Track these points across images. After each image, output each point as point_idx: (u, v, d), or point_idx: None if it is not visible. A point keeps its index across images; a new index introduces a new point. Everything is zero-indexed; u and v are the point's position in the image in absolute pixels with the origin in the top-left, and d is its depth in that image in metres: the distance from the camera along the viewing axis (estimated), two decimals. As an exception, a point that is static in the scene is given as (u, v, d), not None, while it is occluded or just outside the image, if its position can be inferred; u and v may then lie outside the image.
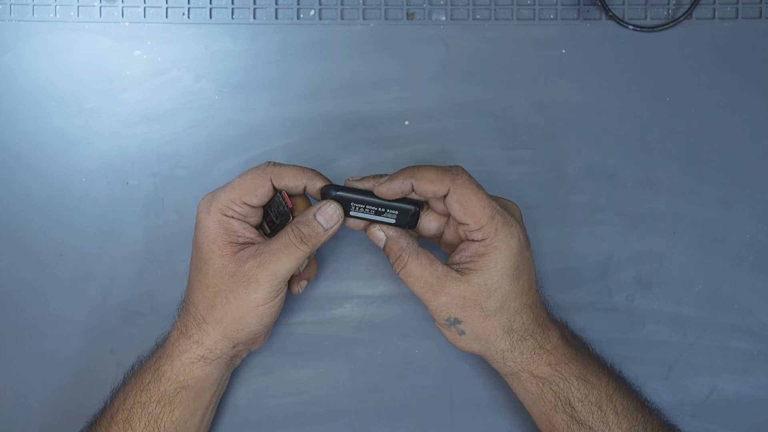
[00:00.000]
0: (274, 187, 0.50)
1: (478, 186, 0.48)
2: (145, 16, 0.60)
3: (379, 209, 0.49)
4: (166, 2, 0.60)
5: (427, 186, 0.47)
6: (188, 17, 0.60)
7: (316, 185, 0.49)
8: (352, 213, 0.49)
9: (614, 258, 0.58)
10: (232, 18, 0.60)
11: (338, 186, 0.49)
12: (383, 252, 0.50)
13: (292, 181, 0.49)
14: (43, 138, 0.59)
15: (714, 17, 0.60)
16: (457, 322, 0.49)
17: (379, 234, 0.50)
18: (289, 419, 0.58)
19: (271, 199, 0.50)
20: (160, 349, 0.52)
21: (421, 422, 0.58)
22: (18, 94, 0.59)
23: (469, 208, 0.47)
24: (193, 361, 0.50)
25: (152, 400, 0.50)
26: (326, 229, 0.49)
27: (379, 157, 0.59)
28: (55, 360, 0.58)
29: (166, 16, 0.60)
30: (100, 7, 0.60)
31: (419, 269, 0.48)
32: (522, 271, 0.48)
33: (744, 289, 0.58)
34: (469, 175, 0.48)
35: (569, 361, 0.49)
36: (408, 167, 0.48)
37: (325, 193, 0.49)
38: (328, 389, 0.58)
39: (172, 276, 0.58)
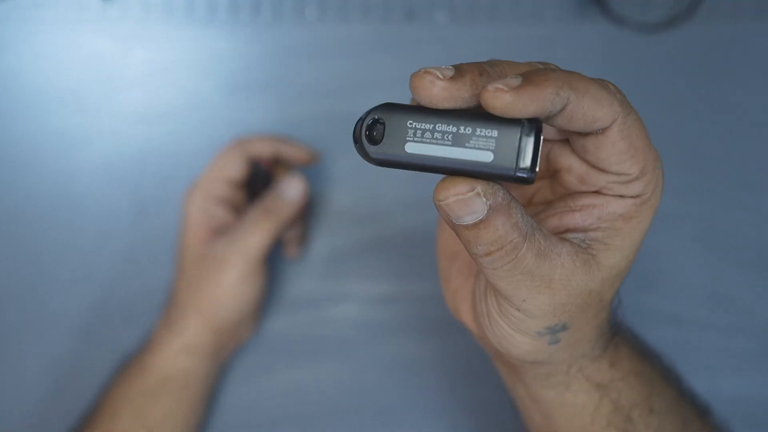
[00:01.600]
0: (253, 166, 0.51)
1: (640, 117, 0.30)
2: (145, 16, 0.60)
3: (463, 130, 0.26)
4: (166, 2, 0.60)
5: (590, 108, 0.27)
6: (188, 17, 0.60)
7: (284, 148, 0.50)
8: (408, 149, 0.27)
9: (614, 258, 0.58)
10: (232, 18, 0.60)
11: (386, 103, 0.28)
12: (460, 233, 0.27)
13: (262, 148, 0.51)
14: (43, 138, 0.59)
15: (714, 18, 0.60)
16: (563, 329, 0.30)
17: (477, 202, 0.26)
18: (289, 419, 0.58)
19: (252, 175, 0.51)
20: (145, 342, 0.52)
21: (421, 422, 0.58)
22: (18, 94, 0.59)
23: (639, 148, 0.28)
24: (177, 353, 0.50)
25: (138, 393, 0.49)
26: (289, 200, 0.49)
27: (379, 157, 0.59)
28: (55, 360, 0.58)
29: (166, 16, 0.60)
30: (100, 7, 0.60)
31: (537, 261, 0.28)
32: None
33: (744, 289, 0.58)
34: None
35: (623, 356, 0.35)
36: (550, 71, 0.27)
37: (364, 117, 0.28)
38: (328, 389, 0.58)
39: (172, 276, 0.58)
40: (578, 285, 0.29)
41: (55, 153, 0.59)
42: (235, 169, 0.50)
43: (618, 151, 0.28)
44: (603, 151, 0.28)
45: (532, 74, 0.26)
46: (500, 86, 0.25)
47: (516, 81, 0.25)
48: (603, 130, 0.28)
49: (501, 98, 0.25)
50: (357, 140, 0.28)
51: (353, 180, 0.59)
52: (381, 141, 0.27)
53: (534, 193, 0.33)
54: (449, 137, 0.26)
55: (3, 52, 0.59)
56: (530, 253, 0.27)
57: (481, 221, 0.26)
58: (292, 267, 0.59)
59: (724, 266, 0.58)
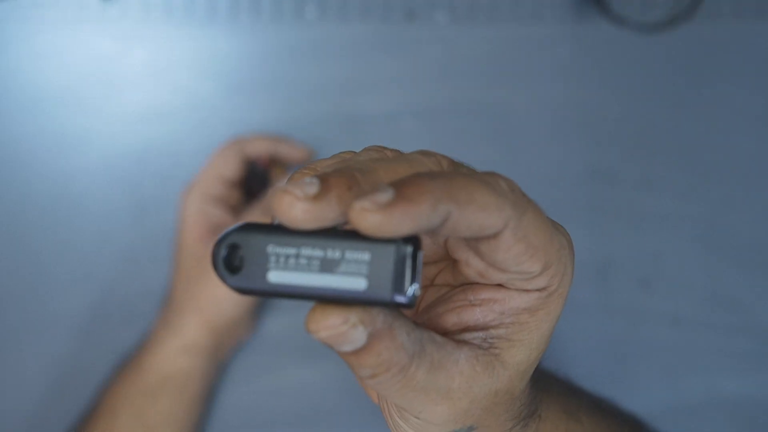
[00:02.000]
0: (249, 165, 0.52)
1: (539, 208, 0.27)
2: (145, 16, 0.60)
3: (331, 254, 0.23)
4: (167, 2, 0.60)
5: (476, 217, 0.23)
6: (188, 17, 0.60)
7: (281, 148, 0.51)
8: (271, 278, 0.23)
9: (614, 258, 0.58)
10: (232, 18, 0.60)
11: (244, 225, 0.24)
12: (342, 356, 0.24)
13: (257, 147, 0.51)
14: (43, 138, 0.59)
15: (714, 18, 0.60)
16: (470, 430, 0.28)
17: (353, 332, 0.23)
18: (289, 419, 0.58)
19: (249, 175, 0.51)
20: (144, 342, 0.52)
21: (421, 422, 0.58)
22: (18, 94, 0.59)
23: (539, 247, 0.25)
24: (176, 352, 0.50)
25: (136, 392, 0.49)
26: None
27: (379, 157, 0.59)
28: (55, 360, 0.58)
29: (166, 16, 0.60)
30: (100, 7, 0.60)
31: (430, 376, 0.25)
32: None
33: (744, 289, 0.58)
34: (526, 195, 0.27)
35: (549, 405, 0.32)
36: (428, 179, 0.23)
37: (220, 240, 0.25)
38: (328, 389, 0.58)
39: (170, 275, 0.58)
40: (481, 389, 0.26)
41: (55, 153, 0.59)
42: (231, 168, 0.51)
43: (515, 254, 0.25)
44: (498, 254, 0.25)
45: (405, 186, 0.22)
46: (367, 205, 0.21)
47: (386, 196, 0.22)
48: (495, 235, 0.24)
49: (369, 219, 0.21)
50: (215, 267, 0.24)
51: (353, 180, 0.59)
52: (241, 269, 0.23)
53: (436, 274, 0.29)
54: (316, 263, 0.23)
55: (3, 52, 0.59)
56: (421, 370, 0.24)
57: (362, 349, 0.23)
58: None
59: (724, 266, 0.58)
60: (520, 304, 0.26)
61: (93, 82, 0.59)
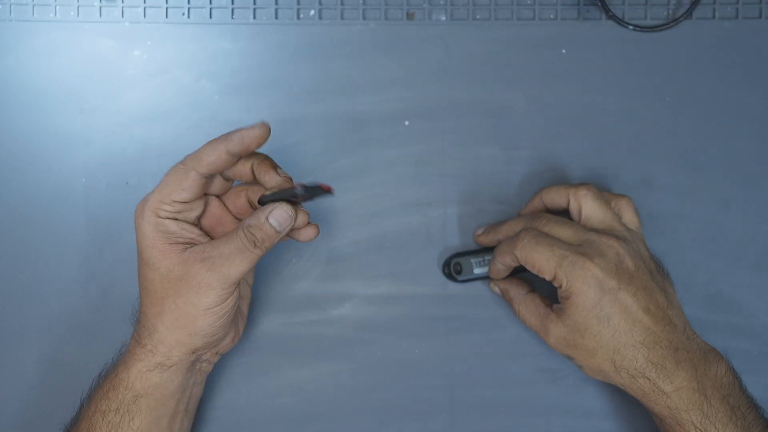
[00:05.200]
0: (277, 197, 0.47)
1: (543, 238, 0.50)
2: (145, 16, 0.60)
3: (485, 259, 0.58)
4: (166, 2, 0.60)
5: (501, 258, 0.53)
6: (188, 17, 0.60)
7: (236, 138, 0.46)
8: (476, 270, 0.57)
9: (614, 258, 0.58)
10: (232, 18, 0.60)
11: (462, 252, 0.58)
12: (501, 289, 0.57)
13: (210, 156, 0.46)
14: (43, 138, 0.59)
15: (714, 17, 0.60)
16: (570, 357, 0.51)
17: (495, 289, 0.57)
18: (289, 419, 0.58)
19: (276, 193, 0.48)
20: (121, 356, 0.51)
21: (421, 422, 0.58)
22: (18, 94, 0.59)
23: (536, 266, 0.49)
24: (150, 369, 0.48)
25: (111, 409, 0.48)
26: (279, 232, 0.47)
27: (379, 157, 0.59)
28: (55, 360, 0.58)
29: (166, 16, 0.60)
30: (100, 7, 0.60)
31: (527, 314, 0.53)
32: (611, 311, 0.48)
33: (744, 289, 0.58)
34: (536, 233, 0.50)
35: (690, 408, 0.47)
36: (489, 233, 0.57)
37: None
38: (328, 389, 0.58)
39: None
40: (554, 332, 0.51)
41: (55, 153, 0.59)
42: (188, 191, 0.47)
43: (529, 269, 0.51)
44: (528, 268, 0.51)
45: (486, 236, 0.58)
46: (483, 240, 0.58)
47: (486, 237, 0.58)
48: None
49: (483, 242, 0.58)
50: (447, 276, 0.58)
51: (353, 180, 0.59)
52: (460, 272, 0.58)
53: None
54: (486, 262, 0.58)
55: (3, 52, 0.59)
56: (523, 310, 0.55)
57: (502, 295, 0.58)
58: (292, 267, 0.59)
59: (724, 266, 0.58)
60: (560, 293, 0.50)
61: (93, 82, 0.59)
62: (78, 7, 0.60)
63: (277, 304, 0.59)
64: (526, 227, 0.52)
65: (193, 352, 0.49)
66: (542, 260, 0.49)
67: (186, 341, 0.48)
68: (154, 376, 0.48)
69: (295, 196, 0.46)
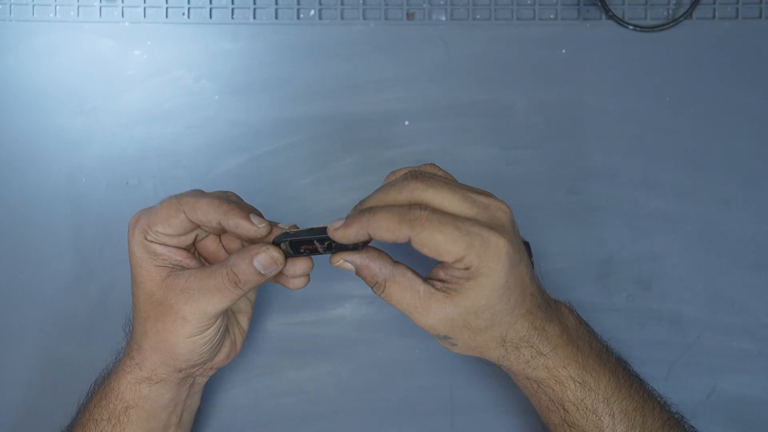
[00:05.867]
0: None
1: (443, 217, 0.41)
2: (145, 16, 0.60)
3: (335, 244, 0.44)
4: (166, 2, 0.60)
5: (384, 236, 0.41)
6: (188, 17, 0.60)
7: (231, 222, 0.44)
8: (304, 251, 0.45)
9: (614, 258, 0.58)
10: (232, 18, 0.60)
11: (288, 233, 0.45)
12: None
13: (204, 216, 0.45)
14: (43, 138, 0.59)
15: (714, 17, 0.60)
16: (447, 337, 0.45)
17: (346, 265, 0.45)
18: (289, 419, 0.58)
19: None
20: (115, 365, 0.51)
21: (421, 422, 0.58)
22: (18, 94, 0.59)
23: (439, 249, 0.41)
24: (139, 381, 0.48)
25: (103, 418, 0.48)
26: (262, 275, 0.45)
27: (379, 157, 0.59)
28: (55, 360, 0.58)
29: (166, 16, 0.60)
30: (100, 7, 0.60)
31: (399, 292, 0.44)
32: (513, 286, 0.43)
33: (744, 289, 0.58)
34: (430, 210, 0.41)
35: (567, 363, 0.46)
36: (363, 211, 0.42)
37: (277, 241, 0.45)
38: (328, 389, 0.58)
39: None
40: (437, 312, 0.44)
41: (55, 153, 0.59)
42: (174, 228, 0.46)
43: (427, 253, 0.42)
44: (422, 253, 0.42)
45: (349, 219, 0.43)
46: (334, 226, 0.44)
47: (340, 222, 0.43)
48: (409, 242, 0.42)
49: (333, 234, 0.44)
50: (286, 254, 0.46)
51: (353, 180, 0.59)
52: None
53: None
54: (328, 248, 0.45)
55: (3, 52, 0.59)
56: (392, 287, 0.44)
57: (357, 271, 0.45)
58: (292, 267, 0.59)
59: (724, 266, 0.58)
60: (458, 273, 0.43)
61: (93, 82, 0.59)
62: (78, 7, 0.60)
63: (277, 304, 0.59)
64: (412, 204, 0.42)
65: (180, 371, 0.48)
66: (448, 242, 0.41)
67: (170, 363, 0.47)
68: (143, 388, 0.48)
69: (315, 246, 0.45)
